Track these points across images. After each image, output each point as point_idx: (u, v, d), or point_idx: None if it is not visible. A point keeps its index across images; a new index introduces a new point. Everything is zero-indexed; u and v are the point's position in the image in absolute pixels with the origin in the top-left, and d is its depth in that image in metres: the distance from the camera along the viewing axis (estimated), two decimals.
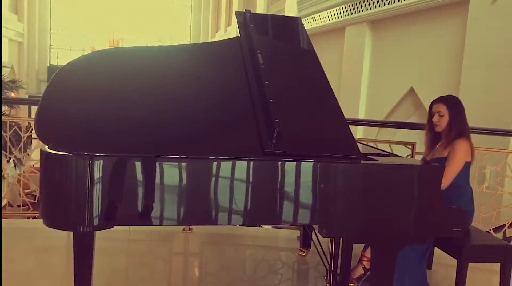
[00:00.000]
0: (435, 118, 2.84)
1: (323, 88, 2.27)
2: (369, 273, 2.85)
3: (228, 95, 2.26)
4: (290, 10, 14.17)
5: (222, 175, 1.90)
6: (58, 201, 1.86)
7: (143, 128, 2.03)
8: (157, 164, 1.84)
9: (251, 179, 1.90)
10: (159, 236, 3.80)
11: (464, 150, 2.73)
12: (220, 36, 24.05)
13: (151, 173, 1.85)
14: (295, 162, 1.91)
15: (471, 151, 2.79)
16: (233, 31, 20.77)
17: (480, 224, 3.89)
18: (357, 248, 2.92)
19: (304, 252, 3.51)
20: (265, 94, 2.13)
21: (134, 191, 1.86)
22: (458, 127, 2.79)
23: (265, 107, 2.09)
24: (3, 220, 4.57)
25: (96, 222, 1.87)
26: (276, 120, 1.99)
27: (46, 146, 1.86)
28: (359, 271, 2.89)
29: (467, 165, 2.79)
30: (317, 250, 2.75)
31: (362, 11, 10.47)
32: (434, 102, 2.89)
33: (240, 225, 3.68)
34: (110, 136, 1.95)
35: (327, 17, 12.25)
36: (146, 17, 25.86)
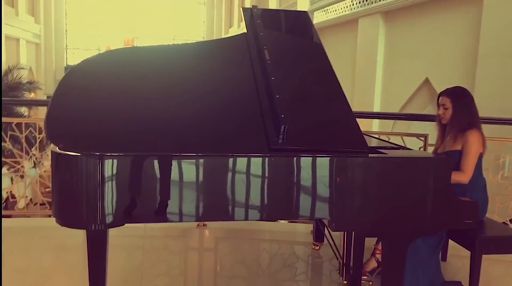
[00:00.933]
0: (440, 111, 2.83)
1: (331, 82, 2.27)
2: (380, 268, 2.85)
3: (235, 92, 2.27)
4: (302, 3, 14.09)
5: (232, 171, 1.92)
6: (70, 201, 1.90)
7: (153, 127, 2.06)
8: (168, 163, 1.88)
9: (259, 175, 1.92)
10: (174, 232, 3.85)
11: (478, 142, 2.71)
12: (234, 31, 24.06)
13: (161, 171, 1.88)
14: (302, 158, 1.92)
15: (483, 141, 2.77)
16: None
17: (496, 215, 3.85)
18: (370, 241, 2.93)
19: (317, 245, 3.52)
20: (271, 90, 2.14)
21: (146, 189, 1.90)
22: (464, 119, 2.76)
23: (271, 103, 2.10)
24: (23, 218, 4.68)
25: (108, 220, 1.91)
26: (282, 115, 2.00)
27: (57, 147, 1.89)
28: (372, 264, 2.89)
29: (480, 156, 2.76)
30: (329, 244, 2.75)
31: (375, 2, 10.37)
32: (440, 94, 2.87)
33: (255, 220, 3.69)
34: (120, 135, 1.99)
35: (340, 9, 12.16)
36: (160, 15, 26.00)
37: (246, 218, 1.92)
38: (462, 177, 2.68)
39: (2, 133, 4.06)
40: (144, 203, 1.92)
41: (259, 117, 2.11)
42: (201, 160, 1.90)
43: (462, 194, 2.72)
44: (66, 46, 24.82)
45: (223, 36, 25.66)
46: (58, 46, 23.90)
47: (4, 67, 14.07)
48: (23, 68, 16.49)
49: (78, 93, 2.12)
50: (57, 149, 1.88)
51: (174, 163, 1.88)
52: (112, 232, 3.13)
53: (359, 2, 11.07)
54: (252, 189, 1.91)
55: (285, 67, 2.35)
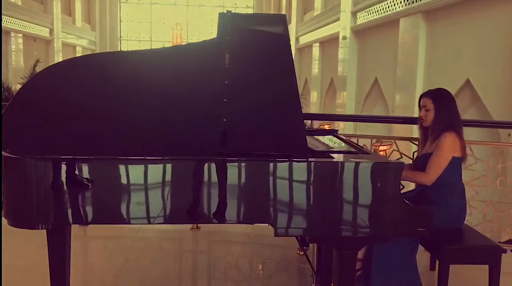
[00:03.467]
0: (422, 113, 2.71)
1: (286, 87, 2.23)
2: (359, 273, 2.77)
3: (192, 97, 2.27)
4: (345, 5, 13.89)
5: (169, 174, 1.94)
6: (17, 202, 1.99)
7: (103, 131, 2.12)
8: (96, 165, 1.93)
9: (195, 178, 1.93)
10: (168, 234, 3.91)
11: (449, 144, 2.56)
12: None
13: (93, 172, 1.93)
14: (237, 162, 1.91)
15: (461, 145, 2.61)
16: (292, 29, 20.72)
17: (496, 224, 3.61)
18: None
19: (302, 250, 3.46)
20: (221, 94, 2.14)
21: (81, 191, 1.95)
22: (445, 121, 2.63)
23: (218, 107, 2.10)
24: None
25: (51, 220, 1.98)
26: (224, 119, 1.99)
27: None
28: None
29: (457, 161, 2.62)
30: (302, 251, 2.71)
31: (416, 1, 10.05)
32: (421, 95, 2.75)
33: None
34: (60, 140, 2.06)
35: (381, 9, 11.88)
36: (209, 21, 26.49)
37: (177, 222, 1.94)
38: (423, 178, 2.57)
39: None
40: (82, 204, 1.97)
41: (209, 121, 2.11)
42: (137, 163, 1.93)
43: (435, 200, 2.61)
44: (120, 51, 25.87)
45: None
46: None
47: None
48: None
49: (41, 96, 2.19)
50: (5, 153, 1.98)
51: (111, 166, 1.93)
52: (108, 232, 3.26)
53: (400, 2, 10.77)
54: (187, 192, 1.92)
55: (242, 71, 2.33)
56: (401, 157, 3.55)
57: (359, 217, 1.98)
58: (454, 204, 2.61)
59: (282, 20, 2.76)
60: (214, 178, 1.93)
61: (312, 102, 18.12)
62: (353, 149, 2.41)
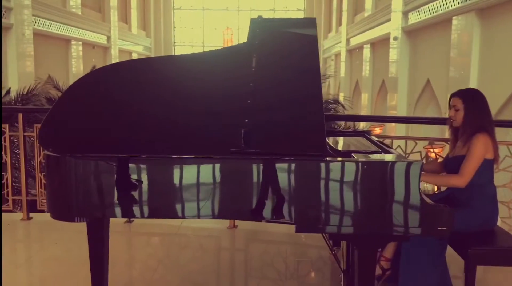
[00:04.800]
0: (451, 113, 2.66)
1: (309, 89, 2.29)
2: (388, 272, 2.77)
3: (220, 99, 2.38)
4: (396, 5, 13.64)
5: (194, 173, 2.07)
6: (59, 197, 2.17)
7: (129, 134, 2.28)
8: (132, 164, 2.07)
9: (216, 177, 2.04)
10: (206, 232, 4.04)
11: (482, 146, 2.51)
12: (332, 36, 23.93)
13: (124, 171, 2.07)
14: (259, 161, 1.99)
15: (493, 147, 2.55)
16: (343, 31, 20.54)
17: None
18: None
19: (334, 250, 3.47)
20: (246, 96, 2.23)
21: (115, 187, 2.11)
22: (476, 122, 2.58)
23: (242, 109, 2.20)
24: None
25: (90, 214, 2.15)
26: (246, 120, 2.08)
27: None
28: (376, 271, 2.80)
29: (489, 163, 2.56)
30: (330, 251, 2.74)
31: None
32: (451, 95, 2.70)
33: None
34: (100, 139, 2.23)
35: (433, 8, 11.58)
36: None
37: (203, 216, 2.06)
38: (457, 180, 2.52)
39: None
40: (118, 199, 2.13)
41: (234, 122, 2.21)
42: (163, 162, 2.06)
43: (465, 202, 2.57)
44: None
45: (322, 41, 25.65)
46: None
47: None
48: None
49: (74, 106, 2.37)
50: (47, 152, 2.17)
51: (138, 164, 2.07)
52: (150, 229, 3.42)
53: (453, 0, 10.47)
54: (211, 189, 2.03)
55: (268, 74, 2.41)
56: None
57: (381, 215, 2.01)
58: (484, 206, 2.56)
59: (311, 24, 2.83)
60: (256, 177, 2.04)
61: (363, 104, 17.88)
62: (377, 149, 2.43)
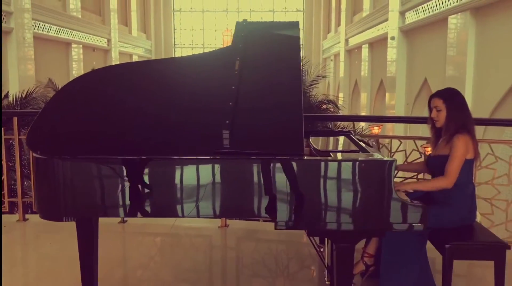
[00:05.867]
0: (433, 113, 2.73)
1: (290, 91, 2.38)
2: (371, 268, 2.84)
3: (203, 101, 2.47)
4: (393, 4, 13.71)
5: (177, 172, 2.15)
6: (47, 197, 2.26)
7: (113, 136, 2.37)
8: (113, 164, 2.15)
9: (200, 176, 2.12)
10: (198, 231, 4.11)
11: (463, 146, 2.57)
12: (331, 36, 24.00)
13: (108, 172, 2.16)
14: (239, 160, 2.08)
15: (473, 146, 2.63)
16: (342, 31, 20.61)
17: None
18: (359, 244, 2.91)
19: (322, 247, 3.54)
20: (228, 98, 2.32)
21: (100, 188, 2.19)
22: (458, 121, 2.64)
23: (224, 110, 2.28)
24: None
25: (77, 213, 2.23)
26: (227, 121, 2.16)
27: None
28: (360, 267, 2.87)
29: (469, 162, 2.62)
30: (315, 248, 2.82)
31: None
32: (431, 96, 2.77)
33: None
34: (87, 140, 2.32)
35: (429, 8, 11.65)
36: None
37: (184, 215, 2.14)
38: (443, 182, 2.58)
39: None
40: (102, 199, 2.22)
41: (215, 123, 2.29)
42: (145, 162, 2.15)
43: (445, 200, 2.64)
44: None
45: (321, 42, 25.72)
46: None
47: None
48: None
49: (60, 110, 2.46)
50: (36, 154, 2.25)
51: (124, 164, 2.16)
52: (144, 229, 3.49)
53: (448, 0, 10.53)
54: (194, 188, 2.11)
55: (250, 76, 2.49)
56: None
57: (357, 212, 2.10)
58: (463, 204, 2.62)
59: (294, 27, 2.92)
60: (233, 177, 2.14)
61: (362, 104, 17.95)
62: (356, 148, 2.51)
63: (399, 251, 2.59)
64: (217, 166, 2.12)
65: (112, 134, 2.35)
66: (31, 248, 3.95)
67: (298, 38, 2.83)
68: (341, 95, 20.89)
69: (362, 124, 14.23)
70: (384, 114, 14.97)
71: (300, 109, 2.29)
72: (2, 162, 4.13)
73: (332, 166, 2.08)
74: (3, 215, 4.23)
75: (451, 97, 2.72)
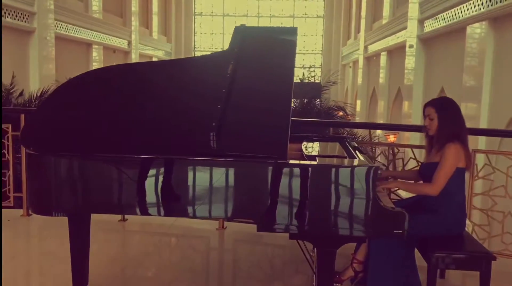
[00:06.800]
0: (426, 122, 2.73)
1: (280, 96, 2.40)
2: (360, 275, 2.84)
3: (194, 103, 2.51)
4: (412, 13, 13.62)
5: (162, 171, 2.20)
6: (39, 192, 2.33)
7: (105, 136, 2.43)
8: (104, 162, 2.21)
9: (184, 177, 2.16)
10: (196, 233, 4.16)
11: (454, 155, 2.57)
12: (350, 43, 23.91)
13: (98, 169, 2.21)
14: (218, 163, 2.11)
15: (465, 155, 2.61)
16: (361, 38, 20.52)
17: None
18: (349, 249, 2.91)
19: (310, 251, 3.54)
20: (218, 100, 2.35)
21: (92, 184, 2.25)
22: (448, 130, 2.64)
23: (212, 112, 2.32)
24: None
25: (66, 209, 2.29)
26: (214, 123, 2.20)
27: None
28: (349, 273, 2.87)
29: (460, 171, 2.61)
30: (303, 253, 2.84)
31: (483, 8, 9.69)
32: (425, 105, 2.77)
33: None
34: (78, 138, 2.38)
35: (448, 17, 11.55)
36: None
37: (163, 214, 2.18)
38: (428, 188, 2.58)
39: None
40: (94, 196, 2.27)
41: (203, 125, 2.33)
42: (134, 160, 2.19)
43: (434, 208, 2.63)
44: None
45: (341, 48, 25.63)
46: None
47: None
48: None
49: (53, 109, 2.52)
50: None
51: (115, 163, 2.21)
52: (144, 229, 3.55)
53: (468, 9, 10.43)
54: (178, 187, 2.15)
55: (242, 80, 2.52)
56: None
57: (331, 216, 2.10)
58: (451, 214, 2.62)
59: (291, 32, 2.94)
60: (216, 178, 2.17)
61: (379, 112, 17.82)
62: (344, 154, 2.52)
63: (386, 257, 2.59)
64: (199, 168, 2.15)
65: (101, 132, 2.41)
66: (34, 241, 4.05)
67: (295, 43, 2.85)
68: (358, 102, 20.78)
69: (379, 132, 14.13)
70: (400, 122, 14.83)
71: (288, 114, 2.31)
72: (9, 158, 4.24)
73: (313, 170, 2.10)
74: (8, 210, 4.34)
75: (444, 107, 2.72)
